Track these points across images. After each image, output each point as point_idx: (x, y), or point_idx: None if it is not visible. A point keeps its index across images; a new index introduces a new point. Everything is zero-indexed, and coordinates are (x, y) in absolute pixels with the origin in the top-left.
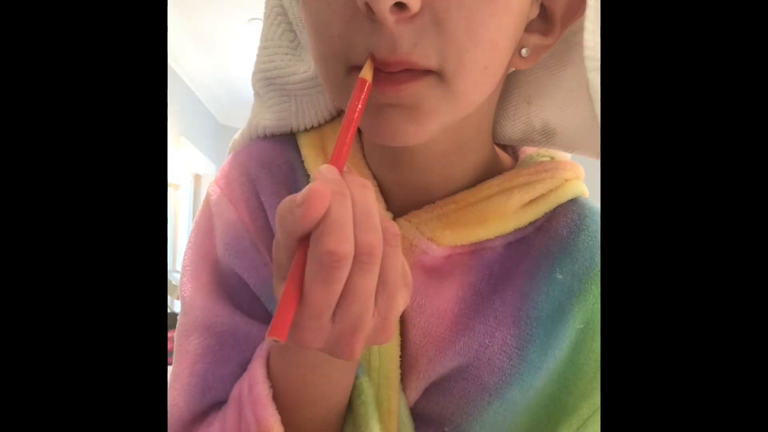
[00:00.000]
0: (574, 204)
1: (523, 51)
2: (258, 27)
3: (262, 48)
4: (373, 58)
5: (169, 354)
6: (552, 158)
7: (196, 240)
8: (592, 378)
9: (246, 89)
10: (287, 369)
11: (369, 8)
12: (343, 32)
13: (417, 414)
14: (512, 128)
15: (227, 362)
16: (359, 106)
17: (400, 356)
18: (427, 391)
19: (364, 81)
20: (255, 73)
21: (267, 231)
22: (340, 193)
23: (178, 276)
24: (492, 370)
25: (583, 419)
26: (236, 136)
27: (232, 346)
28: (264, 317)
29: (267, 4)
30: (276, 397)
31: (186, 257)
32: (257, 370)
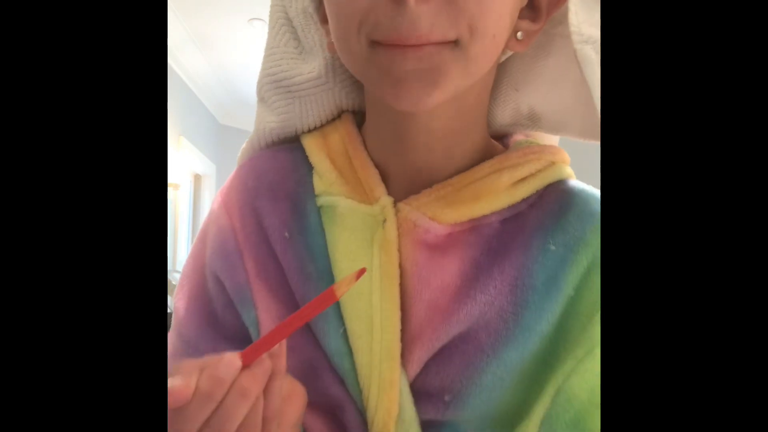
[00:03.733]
0: (562, 184)
1: (519, 34)
2: (258, 27)
3: (269, 55)
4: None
5: None
6: (538, 144)
7: (195, 244)
8: (576, 340)
9: (246, 89)
10: None
11: None
12: (367, 12)
13: (416, 389)
14: (502, 114)
15: None
16: (310, 313)
17: (404, 331)
18: (427, 365)
19: (332, 294)
20: (261, 78)
21: (255, 236)
22: (208, 396)
23: (178, 276)
24: (489, 333)
25: (566, 374)
26: (243, 145)
27: (192, 356)
28: (234, 323)
29: (271, 15)
30: None
31: (187, 259)
32: None
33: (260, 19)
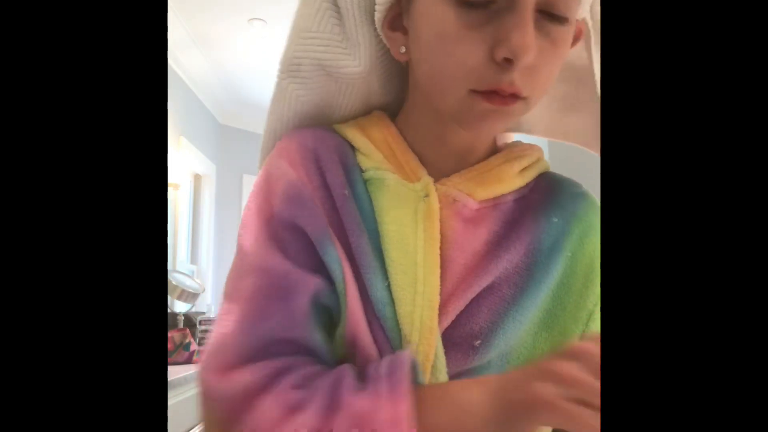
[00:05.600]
0: (549, 174)
1: None
2: (258, 27)
3: (311, 38)
4: None
5: (169, 354)
6: (524, 143)
7: (254, 199)
8: (580, 294)
9: (246, 89)
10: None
11: (507, 60)
12: (474, 70)
13: (447, 340)
14: None
15: (279, 300)
16: None
17: (441, 288)
18: (458, 318)
19: None
20: (300, 57)
21: (322, 190)
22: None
23: (178, 276)
24: (510, 285)
25: (584, 322)
26: (269, 114)
27: (284, 287)
28: (312, 266)
29: (308, 2)
30: None
31: (244, 215)
32: (400, 407)
33: (260, 19)
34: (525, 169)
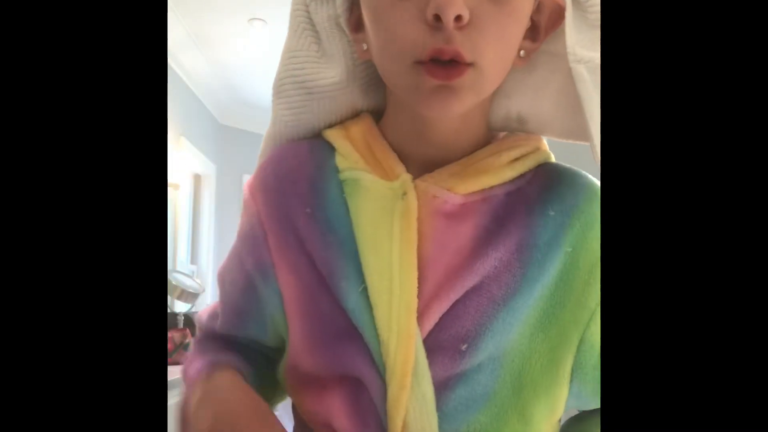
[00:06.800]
0: (550, 164)
1: (522, 52)
2: (258, 27)
3: (291, 57)
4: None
5: (169, 354)
6: (523, 134)
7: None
8: (582, 292)
9: (246, 89)
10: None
11: (437, 18)
12: (410, 37)
13: (431, 345)
14: (495, 117)
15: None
16: None
17: (422, 291)
18: (441, 321)
19: None
20: (282, 77)
21: (277, 215)
22: None
23: (178, 276)
24: (500, 285)
25: (584, 325)
26: (264, 139)
27: (235, 300)
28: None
29: (293, 18)
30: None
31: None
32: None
33: (260, 19)
34: (517, 159)
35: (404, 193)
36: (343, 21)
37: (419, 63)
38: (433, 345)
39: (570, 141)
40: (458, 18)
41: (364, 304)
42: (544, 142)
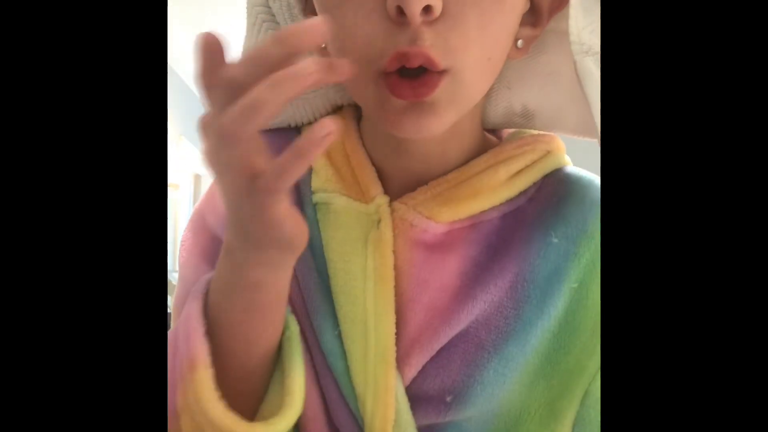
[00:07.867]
0: (559, 173)
1: (519, 42)
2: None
3: None
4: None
5: None
6: (531, 134)
7: (195, 212)
8: (591, 335)
9: None
10: (222, 301)
11: (399, 11)
12: (370, 38)
13: (414, 394)
14: (495, 112)
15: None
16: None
17: (401, 335)
18: (425, 368)
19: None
20: None
21: None
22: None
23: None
24: (489, 330)
25: (591, 375)
26: None
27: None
28: None
29: (250, 11)
30: (211, 337)
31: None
32: (192, 305)
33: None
34: (519, 173)
35: (379, 221)
36: (297, 10)
37: (385, 77)
38: (417, 394)
39: (587, 139)
40: (427, 9)
41: (339, 349)
42: (559, 141)
